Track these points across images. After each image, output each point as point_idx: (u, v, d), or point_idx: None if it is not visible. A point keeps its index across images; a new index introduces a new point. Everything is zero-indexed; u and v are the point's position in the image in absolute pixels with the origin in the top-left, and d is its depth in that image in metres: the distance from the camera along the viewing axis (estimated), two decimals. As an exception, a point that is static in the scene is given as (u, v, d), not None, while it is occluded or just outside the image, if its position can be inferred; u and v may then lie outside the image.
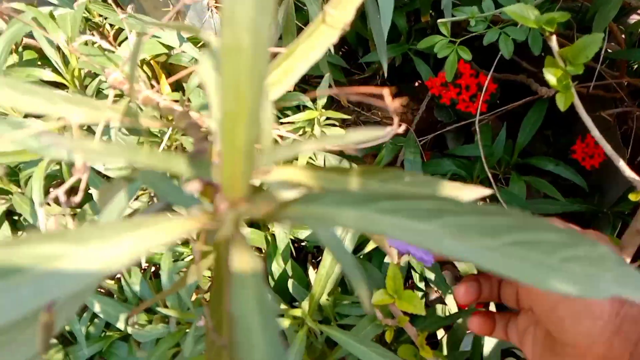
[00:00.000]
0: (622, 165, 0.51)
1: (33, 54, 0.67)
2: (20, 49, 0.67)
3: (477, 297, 0.35)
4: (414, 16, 0.83)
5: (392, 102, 0.19)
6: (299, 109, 0.69)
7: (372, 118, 0.89)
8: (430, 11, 0.82)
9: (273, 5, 0.11)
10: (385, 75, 0.66)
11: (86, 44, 0.53)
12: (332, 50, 0.60)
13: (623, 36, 0.81)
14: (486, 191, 0.23)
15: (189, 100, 0.50)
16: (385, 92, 0.19)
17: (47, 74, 0.50)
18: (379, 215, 0.13)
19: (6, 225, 0.53)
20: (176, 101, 0.38)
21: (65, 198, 0.24)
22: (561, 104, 0.48)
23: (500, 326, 0.35)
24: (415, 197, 0.14)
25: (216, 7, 0.65)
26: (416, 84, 1.05)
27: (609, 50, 0.79)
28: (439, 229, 0.14)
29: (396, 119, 0.24)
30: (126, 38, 0.62)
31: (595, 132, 0.50)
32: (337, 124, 0.59)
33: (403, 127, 0.25)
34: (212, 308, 0.20)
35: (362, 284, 0.14)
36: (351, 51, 0.91)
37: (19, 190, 0.50)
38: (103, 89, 0.55)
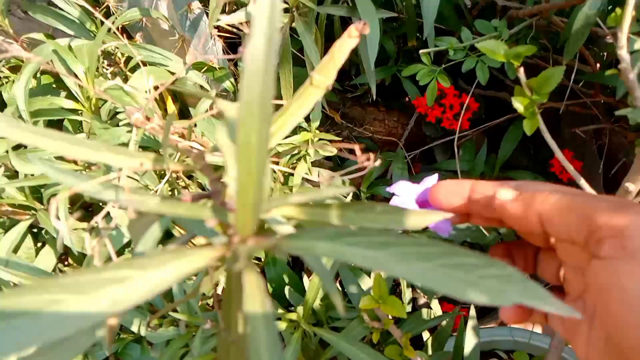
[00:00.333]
0: (583, 183, 0.57)
1: (50, 78, 0.72)
2: (38, 74, 0.73)
3: None
4: (402, 39, 0.89)
5: (361, 156, 0.24)
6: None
7: (364, 134, 0.95)
8: (417, 34, 0.88)
9: (271, 113, 0.16)
10: (374, 97, 0.72)
11: (103, 75, 0.58)
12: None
13: (600, 57, 0.87)
14: (447, 215, 0.28)
15: (195, 125, 0.56)
16: (356, 147, 0.25)
17: (67, 103, 0.55)
18: (346, 247, 0.19)
19: (29, 238, 0.58)
20: (185, 128, 0.44)
21: (103, 224, 0.29)
22: (527, 129, 0.54)
23: (538, 310, 0.30)
24: (372, 234, 0.19)
25: (218, 36, 0.71)
26: (406, 99, 1.11)
27: (585, 72, 0.84)
28: (389, 257, 0.19)
29: (372, 159, 0.29)
30: (137, 64, 0.67)
31: (559, 154, 0.56)
32: (328, 143, 0.65)
33: (378, 161, 0.31)
34: (224, 313, 0.26)
35: (338, 298, 0.19)
36: (344, 71, 0.96)
37: (42, 207, 0.56)
38: (117, 112, 0.60)
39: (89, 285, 0.17)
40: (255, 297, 0.16)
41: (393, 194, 0.33)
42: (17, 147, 0.59)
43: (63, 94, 0.69)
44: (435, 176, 0.33)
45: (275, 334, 0.17)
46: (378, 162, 0.31)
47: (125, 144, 0.50)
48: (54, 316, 0.16)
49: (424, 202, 0.32)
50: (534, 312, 0.29)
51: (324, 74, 0.28)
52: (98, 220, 0.29)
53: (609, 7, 0.74)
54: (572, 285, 0.27)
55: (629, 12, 0.41)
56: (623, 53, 0.42)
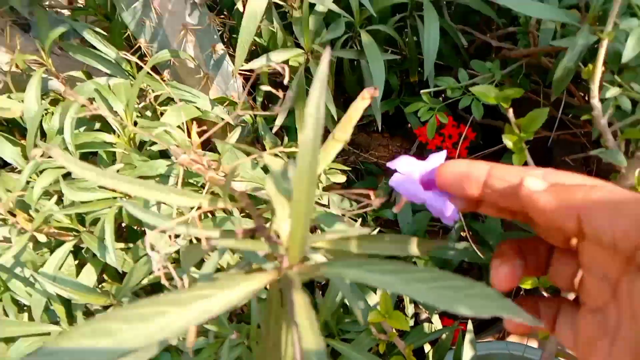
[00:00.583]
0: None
1: (84, 110, 0.80)
2: (75, 107, 0.80)
3: (521, 278, 0.27)
4: (405, 73, 0.96)
5: (375, 200, 0.31)
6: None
7: (369, 159, 1.02)
8: (419, 68, 0.96)
9: (316, 178, 0.23)
10: (379, 128, 0.79)
11: (135, 109, 0.65)
12: (334, 107, 0.73)
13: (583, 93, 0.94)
14: (439, 242, 0.35)
15: (220, 161, 0.63)
16: (371, 193, 0.32)
17: (108, 137, 0.63)
18: (365, 273, 0.26)
19: (70, 256, 0.65)
20: (215, 161, 0.51)
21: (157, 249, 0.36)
22: (516, 163, 0.61)
23: (546, 318, 0.27)
24: (384, 263, 0.26)
25: (240, 74, 0.78)
26: (409, 125, 1.18)
27: (573, 105, 0.92)
28: (398, 280, 0.26)
29: (379, 199, 0.36)
30: (165, 99, 0.74)
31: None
32: (338, 171, 0.72)
33: (383, 199, 0.38)
34: (264, 324, 0.32)
35: (359, 311, 0.26)
36: (351, 100, 1.04)
37: (85, 229, 0.62)
38: (153, 143, 0.67)
39: (185, 300, 0.23)
40: (303, 310, 0.23)
41: (395, 171, 0.29)
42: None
43: (97, 125, 0.76)
44: (443, 153, 0.29)
45: (320, 336, 0.24)
46: (384, 199, 0.38)
47: (163, 175, 0.57)
48: (161, 322, 0.23)
49: (428, 183, 0.28)
50: (540, 316, 0.28)
51: (343, 131, 0.35)
52: (161, 247, 0.36)
53: (595, 45, 0.82)
54: (592, 294, 0.24)
55: (599, 68, 0.48)
56: (595, 102, 0.49)
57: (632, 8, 0.49)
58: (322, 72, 0.21)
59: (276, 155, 0.42)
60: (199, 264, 0.53)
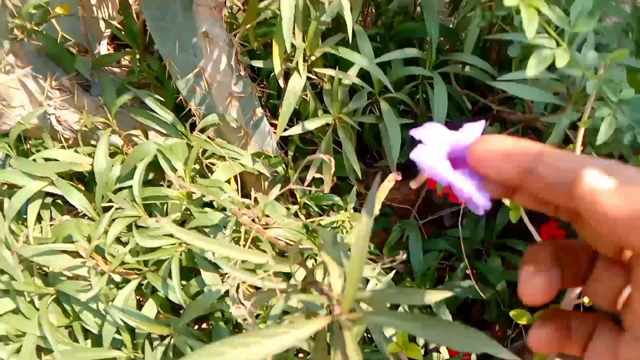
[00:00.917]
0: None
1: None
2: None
3: (557, 291, 0.23)
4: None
5: (400, 257, 0.42)
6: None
7: (383, 202, 1.13)
8: (429, 123, 1.08)
9: (365, 257, 0.35)
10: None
11: (196, 176, 0.78)
12: (357, 165, 0.85)
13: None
14: (448, 293, 0.46)
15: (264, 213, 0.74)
16: (397, 257, 0.43)
17: (171, 192, 0.75)
18: (393, 320, 0.37)
19: (133, 294, 0.76)
20: (266, 215, 0.62)
21: (237, 294, 0.47)
22: (513, 218, 0.71)
23: (577, 336, 0.24)
24: (405, 314, 0.37)
25: (274, 133, 0.91)
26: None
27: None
28: (414, 326, 0.37)
29: (402, 257, 0.47)
30: (212, 154, 0.87)
31: (536, 236, 0.74)
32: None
33: (404, 255, 0.49)
34: (313, 350, 0.44)
35: (384, 344, 0.37)
36: (365, 150, 1.16)
37: (147, 268, 0.74)
38: (209, 200, 0.79)
39: (270, 335, 0.34)
40: (352, 346, 0.34)
41: (418, 142, 0.24)
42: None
43: (151, 175, 0.89)
44: (481, 124, 0.24)
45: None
46: (405, 256, 0.49)
47: (217, 225, 0.68)
48: (254, 349, 0.34)
49: (459, 160, 0.24)
50: (563, 347, 0.25)
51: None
52: (234, 293, 0.47)
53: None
54: None
55: (578, 149, 0.59)
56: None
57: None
58: (366, 222, 0.33)
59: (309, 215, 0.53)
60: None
